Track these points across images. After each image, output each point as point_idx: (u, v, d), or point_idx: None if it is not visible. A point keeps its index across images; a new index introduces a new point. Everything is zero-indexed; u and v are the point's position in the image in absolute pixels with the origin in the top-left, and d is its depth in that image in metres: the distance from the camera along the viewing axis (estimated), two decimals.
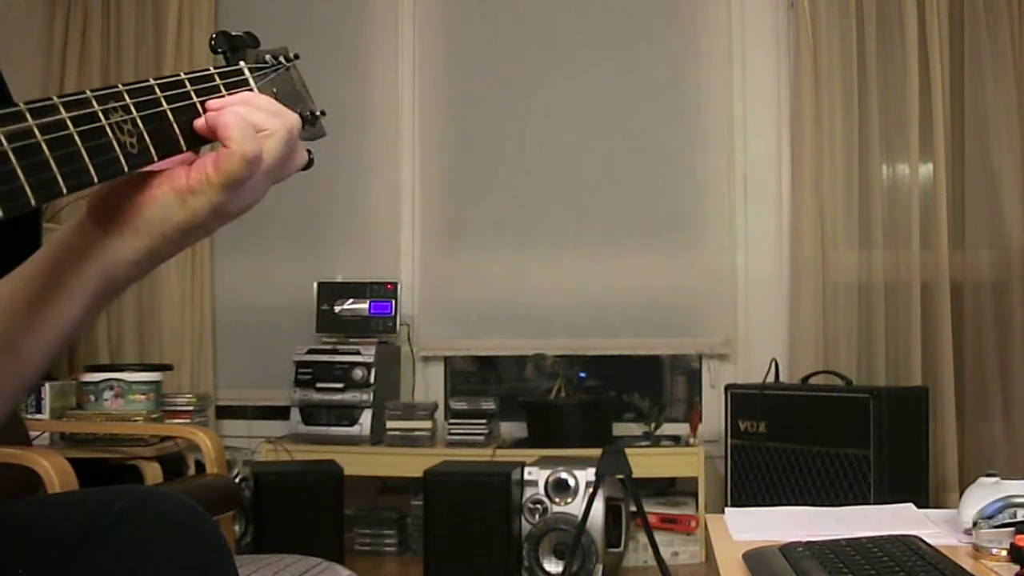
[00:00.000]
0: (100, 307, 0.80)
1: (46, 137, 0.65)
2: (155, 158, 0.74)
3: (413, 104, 4.24)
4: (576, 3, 4.16)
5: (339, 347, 3.90)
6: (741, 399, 3.45)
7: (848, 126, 3.77)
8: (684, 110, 4.08)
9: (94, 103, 0.70)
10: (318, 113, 0.97)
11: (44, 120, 0.65)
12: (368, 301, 3.99)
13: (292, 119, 0.83)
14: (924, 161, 3.75)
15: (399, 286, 4.02)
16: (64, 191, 0.65)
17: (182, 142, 0.77)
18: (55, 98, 0.67)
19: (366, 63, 4.31)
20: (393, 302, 3.98)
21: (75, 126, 0.67)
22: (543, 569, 3.33)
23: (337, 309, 4.01)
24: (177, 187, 0.76)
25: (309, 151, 0.91)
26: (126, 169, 0.71)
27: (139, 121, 0.73)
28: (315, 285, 4.04)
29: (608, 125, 4.10)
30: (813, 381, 3.51)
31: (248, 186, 0.79)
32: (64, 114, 0.67)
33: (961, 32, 3.71)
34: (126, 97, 0.73)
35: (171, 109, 0.77)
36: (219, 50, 0.87)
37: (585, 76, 4.13)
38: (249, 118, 0.79)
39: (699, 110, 4.08)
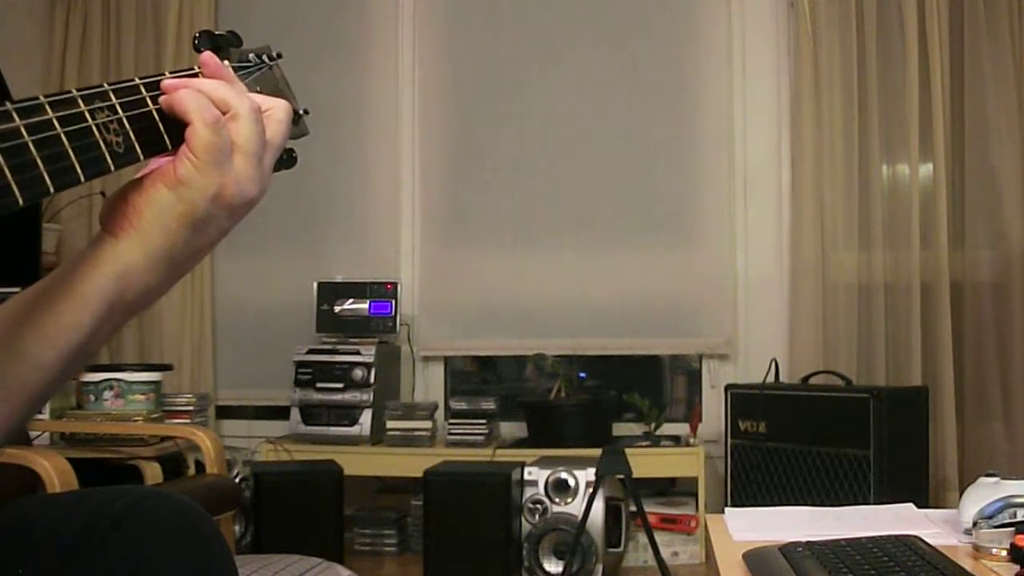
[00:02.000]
0: (117, 319, 0.79)
1: (33, 137, 0.65)
2: (141, 157, 0.75)
3: (413, 104, 4.24)
4: (576, 3, 4.16)
5: (339, 347, 3.90)
6: (741, 399, 3.45)
7: (848, 126, 3.77)
8: (684, 110, 4.08)
9: (80, 103, 0.70)
10: (301, 112, 0.98)
11: (31, 120, 0.66)
12: (368, 301, 3.99)
13: (253, 96, 0.83)
14: (924, 161, 3.75)
15: (399, 286, 4.02)
16: (51, 190, 0.66)
17: (167, 140, 0.78)
18: (41, 97, 0.68)
19: (366, 62, 4.31)
20: (393, 302, 3.98)
21: (62, 126, 0.68)
22: (543, 569, 3.33)
23: (337, 309, 4.01)
24: (168, 181, 0.77)
25: (294, 150, 0.91)
26: (112, 168, 0.72)
27: (125, 120, 0.74)
28: (315, 285, 4.04)
29: (608, 125, 4.10)
30: (813, 381, 3.51)
31: (239, 168, 0.79)
32: (51, 114, 0.67)
33: (961, 32, 3.71)
34: (112, 96, 0.74)
35: (156, 108, 0.77)
36: (202, 49, 0.87)
37: (585, 76, 4.13)
38: (212, 95, 0.79)
39: (699, 110, 4.07)
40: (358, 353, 3.86)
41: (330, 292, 4.03)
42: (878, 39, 3.77)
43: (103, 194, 3.42)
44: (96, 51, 4.23)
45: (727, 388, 3.53)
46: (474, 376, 4.47)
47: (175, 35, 4.15)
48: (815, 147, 3.80)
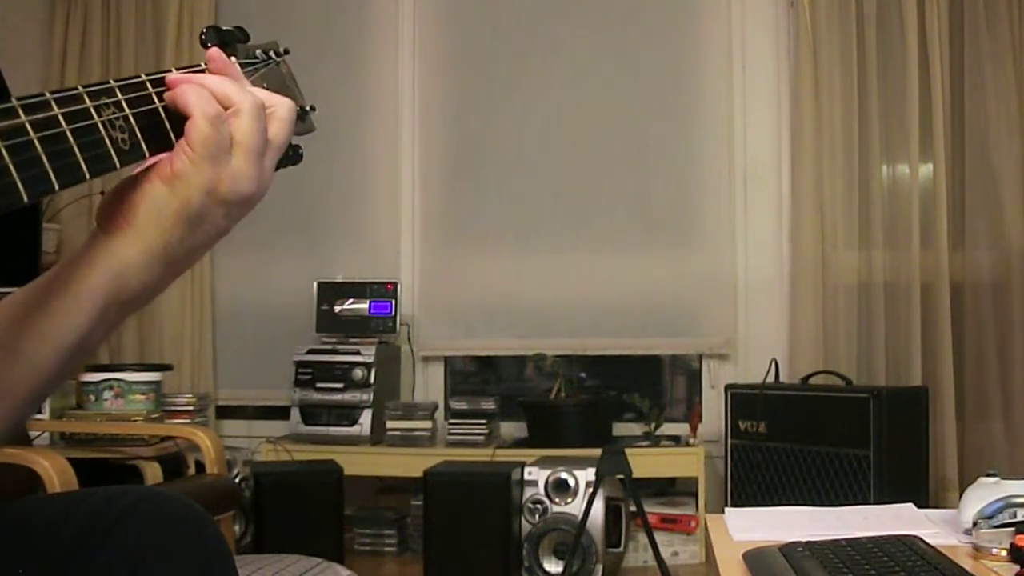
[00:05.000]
0: (115, 317, 0.78)
1: (38, 134, 0.65)
2: (147, 154, 0.75)
3: (413, 104, 4.24)
4: (576, 3, 4.16)
5: (339, 347, 3.90)
6: (741, 399, 3.45)
7: (848, 126, 3.77)
8: (684, 110, 4.08)
9: (86, 99, 0.70)
10: (308, 108, 0.97)
11: (36, 116, 0.65)
12: (368, 301, 3.99)
13: (258, 92, 0.82)
14: (924, 161, 3.75)
15: (399, 286, 4.02)
16: (56, 187, 0.65)
17: (173, 138, 0.77)
18: (47, 94, 0.67)
19: (366, 62, 4.31)
20: (393, 302, 3.98)
21: (67, 122, 0.67)
22: (543, 569, 3.33)
23: (337, 309, 4.01)
24: (164, 176, 0.76)
25: (300, 147, 0.91)
26: (118, 165, 0.71)
27: (131, 117, 0.73)
28: (315, 285, 4.04)
29: (608, 124, 4.10)
30: (813, 381, 3.51)
31: (236, 164, 0.78)
32: (56, 110, 0.67)
33: (961, 32, 3.71)
34: (118, 93, 0.73)
35: (162, 105, 0.77)
36: (209, 44, 0.87)
37: (585, 76, 4.13)
38: (215, 90, 0.78)
39: (699, 110, 4.07)
40: (358, 353, 3.86)
41: (330, 292, 4.03)
42: (878, 39, 3.77)
43: (103, 193, 3.42)
44: (96, 51, 4.23)
45: (727, 388, 3.53)
46: (474, 376, 4.47)
47: (175, 35, 4.15)
48: (815, 147, 3.80)
